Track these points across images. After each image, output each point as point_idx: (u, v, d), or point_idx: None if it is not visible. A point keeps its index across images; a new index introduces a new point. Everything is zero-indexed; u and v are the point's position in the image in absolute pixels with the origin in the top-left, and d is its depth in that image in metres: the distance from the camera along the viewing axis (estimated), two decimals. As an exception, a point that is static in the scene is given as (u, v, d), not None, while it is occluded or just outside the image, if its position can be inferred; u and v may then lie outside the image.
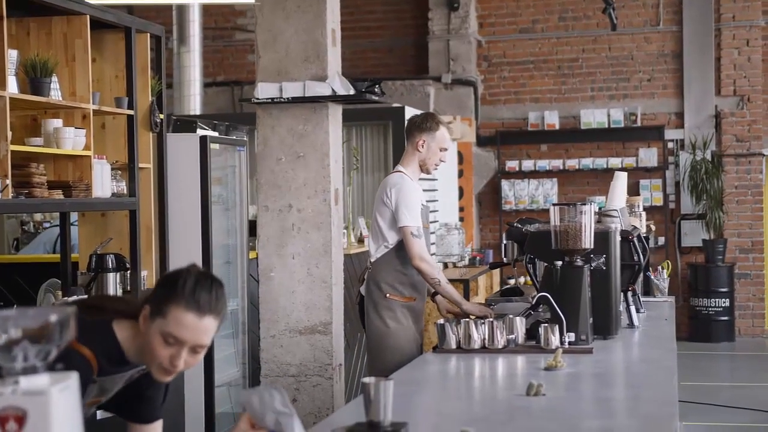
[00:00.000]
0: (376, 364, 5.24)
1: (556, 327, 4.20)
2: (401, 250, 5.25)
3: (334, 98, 5.60)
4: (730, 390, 9.70)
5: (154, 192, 6.01)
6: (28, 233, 9.01)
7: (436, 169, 5.44)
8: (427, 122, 5.34)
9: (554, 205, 4.46)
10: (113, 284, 5.45)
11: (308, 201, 5.64)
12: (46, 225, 8.78)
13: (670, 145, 12.80)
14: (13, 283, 6.47)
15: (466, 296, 8.93)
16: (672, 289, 12.41)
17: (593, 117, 12.81)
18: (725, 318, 12.32)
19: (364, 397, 2.73)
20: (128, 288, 5.65)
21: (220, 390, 6.60)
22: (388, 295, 5.23)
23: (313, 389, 5.68)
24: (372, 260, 5.34)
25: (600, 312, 4.48)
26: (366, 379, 2.73)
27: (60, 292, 5.47)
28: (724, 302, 12.28)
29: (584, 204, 4.42)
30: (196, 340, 2.62)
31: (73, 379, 1.77)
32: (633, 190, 12.41)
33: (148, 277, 5.91)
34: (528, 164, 12.94)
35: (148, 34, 5.93)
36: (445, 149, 5.37)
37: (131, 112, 5.64)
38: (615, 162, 12.64)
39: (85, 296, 4.81)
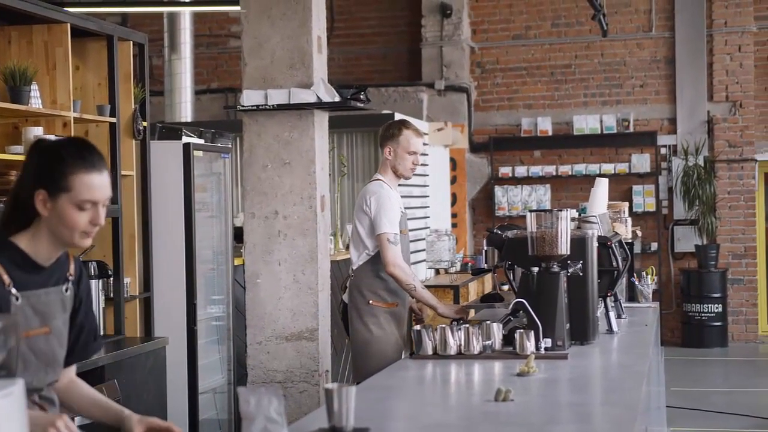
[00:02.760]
0: (360, 371, 5.28)
1: (532, 333, 4.21)
2: None
3: (320, 105, 5.61)
4: (723, 395, 9.70)
5: (138, 199, 6.03)
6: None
7: (412, 172, 5.50)
8: (389, 130, 5.48)
9: (531, 211, 4.48)
10: (96, 291, 5.46)
11: (294, 208, 5.65)
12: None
13: (663, 150, 12.82)
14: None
15: (456, 302, 8.94)
16: (665, 295, 12.47)
17: (586, 123, 12.83)
18: (718, 323, 12.33)
19: (326, 403, 2.75)
20: (111, 295, 5.67)
21: (204, 396, 6.61)
22: (371, 301, 5.34)
23: (299, 395, 5.69)
24: (354, 267, 5.43)
25: (577, 318, 4.49)
26: (328, 386, 2.76)
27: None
28: (717, 308, 12.29)
29: (561, 210, 4.43)
30: (106, 194, 2.75)
31: (18, 385, 1.79)
32: (626, 195, 12.44)
33: (131, 284, 5.92)
34: (521, 170, 12.95)
35: (131, 42, 5.95)
36: (414, 152, 5.45)
37: (113, 119, 5.66)
38: (608, 168, 12.65)
39: None
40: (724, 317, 12.38)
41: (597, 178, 5.76)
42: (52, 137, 2.83)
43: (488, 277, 10.83)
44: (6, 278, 2.68)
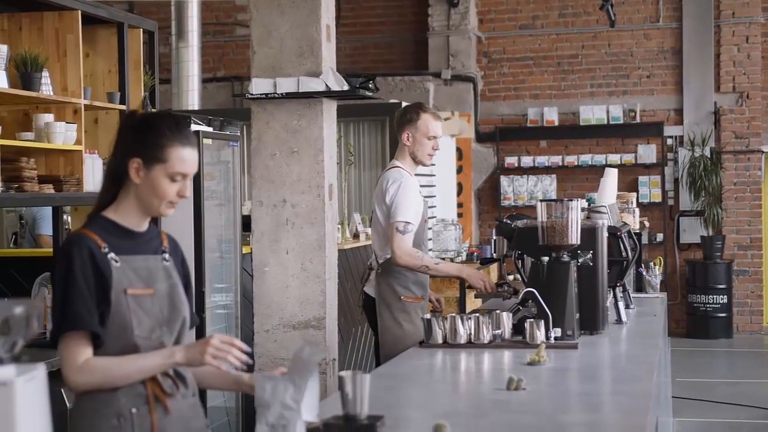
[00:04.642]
0: None
1: (542, 322, 4.22)
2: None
3: (328, 94, 5.60)
4: (727, 386, 9.71)
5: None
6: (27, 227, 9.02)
7: (431, 158, 5.36)
8: (407, 114, 5.32)
9: (541, 200, 4.47)
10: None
11: (302, 196, 5.64)
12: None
13: (669, 141, 12.82)
14: (10, 277, 6.50)
15: (463, 291, 8.90)
16: (670, 286, 12.47)
17: (592, 113, 12.82)
18: (723, 314, 12.34)
19: (340, 391, 2.75)
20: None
21: (212, 384, 6.61)
22: (402, 297, 5.20)
23: (306, 384, 5.69)
24: (380, 261, 5.27)
25: (587, 308, 4.50)
26: (342, 373, 2.75)
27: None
28: (722, 299, 12.30)
29: (571, 200, 4.43)
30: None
31: (40, 370, 1.79)
32: (632, 186, 12.43)
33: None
34: (527, 160, 12.95)
35: (141, 30, 5.95)
36: (433, 137, 5.29)
37: (123, 107, 5.66)
38: (614, 158, 12.65)
39: None
40: (729, 308, 12.38)
41: (606, 168, 5.76)
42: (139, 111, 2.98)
43: (493, 267, 10.84)
44: (102, 244, 2.82)
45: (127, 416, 2.80)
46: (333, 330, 5.78)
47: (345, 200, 9.15)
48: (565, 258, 4.41)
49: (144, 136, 2.86)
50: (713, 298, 12.30)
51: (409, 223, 5.13)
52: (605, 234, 4.71)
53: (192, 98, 10.84)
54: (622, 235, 5.08)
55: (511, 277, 9.16)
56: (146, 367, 2.81)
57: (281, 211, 5.65)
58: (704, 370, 10.64)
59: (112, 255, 2.82)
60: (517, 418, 3.02)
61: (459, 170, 12.50)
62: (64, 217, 6.25)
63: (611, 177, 5.66)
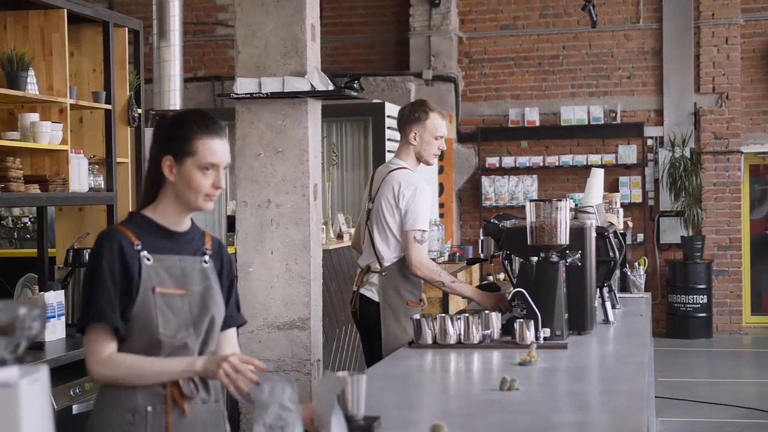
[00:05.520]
0: None
1: (531, 323, 4.22)
2: None
3: (313, 94, 5.59)
4: (707, 386, 9.76)
5: (132, 187, 6.01)
6: (6, 228, 8.96)
7: (436, 158, 5.24)
8: (414, 113, 5.12)
9: (530, 201, 4.48)
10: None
11: (287, 196, 5.63)
12: (25, 220, 8.75)
13: (650, 142, 12.87)
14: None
15: (446, 292, 8.87)
16: (650, 286, 12.49)
17: (573, 114, 12.86)
18: (703, 314, 12.40)
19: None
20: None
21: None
22: (409, 302, 5.07)
23: (291, 385, 5.67)
24: (385, 264, 5.07)
25: (575, 308, 4.51)
26: (340, 374, 2.75)
27: (36, 287, 5.45)
28: (702, 299, 12.36)
29: (560, 200, 4.44)
30: (227, 159, 2.95)
31: (43, 372, 1.78)
32: (612, 186, 12.47)
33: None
34: (508, 161, 12.98)
35: (126, 29, 5.92)
36: (441, 137, 5.12)
37: (109, 106, 5.63)
38: (594, 159, 12.69)
39: None
40: (709, 308, 12.45)
41: (593, 169, 5.77)
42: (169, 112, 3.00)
43: (476, 267, 10.85)
44: (135, 240, 2.87)
45: (142, 413, 2.84)
46: (318, 330, 5.77)
47: (329, 200, 9.14)
48: (554, 258, 4.42)
49: (173, 133, 2.92)
50: (693, 298, 12.36)
51: (425, 231, 5.00)
52: (594, 234, 4.72)
53: (174, 98, 10.75)
54: (609, 235, 5.09)
55: (491, 278, 9.17)
56: (168, 372, 2.84)
57: (266, 211, 5.64)
58: (685, 369, 10.68)
59: (145, 253, 2.86)
60: (512, 418, 3.02)
61: (440, 171, 12.51)
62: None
63: (598, 177, 5.67)
